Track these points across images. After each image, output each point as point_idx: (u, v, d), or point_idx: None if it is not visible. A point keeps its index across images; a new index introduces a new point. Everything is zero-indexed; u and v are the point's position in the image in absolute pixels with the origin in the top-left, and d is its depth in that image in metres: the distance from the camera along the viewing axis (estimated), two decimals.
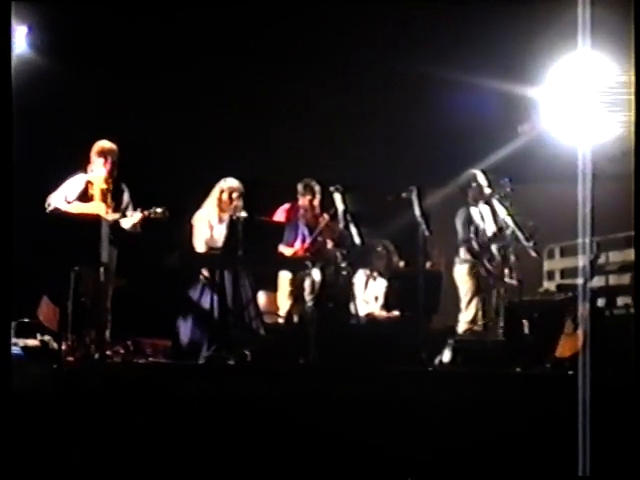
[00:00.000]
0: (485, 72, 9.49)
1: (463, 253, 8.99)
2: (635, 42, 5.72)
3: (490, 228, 8.94)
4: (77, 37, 9.14)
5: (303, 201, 8.98)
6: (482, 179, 8.99)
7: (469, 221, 8.96)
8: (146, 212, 7.98)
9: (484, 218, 8.98)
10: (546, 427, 6.30)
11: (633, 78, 6.00)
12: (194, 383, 6.74)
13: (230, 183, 8.49)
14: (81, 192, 7.99)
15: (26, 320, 8.18)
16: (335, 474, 6.17)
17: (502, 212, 8.75)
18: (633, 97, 6.05)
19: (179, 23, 9.36)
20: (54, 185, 8.03)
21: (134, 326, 8.75)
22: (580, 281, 8.63)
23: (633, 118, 5.95)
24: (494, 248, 8.86)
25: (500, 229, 8.81)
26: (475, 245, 8.90)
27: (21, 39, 8.37)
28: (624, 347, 7.56)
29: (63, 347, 7.37)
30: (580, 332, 7.83)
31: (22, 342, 7.57)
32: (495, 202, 8.80)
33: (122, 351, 8.49)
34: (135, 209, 8.06)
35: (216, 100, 9.88)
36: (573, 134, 9.42)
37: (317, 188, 8.95)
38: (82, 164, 8.11)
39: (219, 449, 6.26)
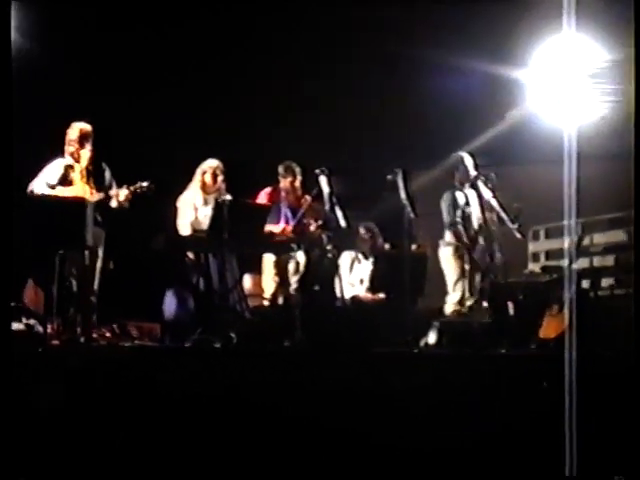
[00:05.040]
0: (471, 55, 9.49)
1: (448, 236, 8.97)
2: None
3: (476, 212, 8.94)
4: (57, 17, 9.07)
5: (284, 183, 8.95)
6: (469, 161, 8.98)
7: (454, 205, 8.93)
8: (132, 187, 7.95)
9: (469, 202, 8.96)
10: (531, 408, 6.33)
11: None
12: (180, 366, 6.74)
13: (211, 163, 8.53)
14: (62, 176, 7.95)
15: (11, 304, 8.16)
16: (321, 457, 6.19)
17: (487, 194, 8.76)
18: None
19: (163, 6, 9.32)
20: (34, 168, 7.99)
21: (120, 309, 8.74)
22: (565, 263, 8.66)
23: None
24: (480, 233, 8.88)
25: (486, 212, 8.82)
26: (461, 228, 8.89)
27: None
28: (608, 328, 7.64)
29: (49, 330, 7.39)
30: (564, 313, 7.86)
31: None
32: (480, 184, 8.80)
33: (108, 334, 8.49)
34: (119, 187, 8.03)
35: (199, 82, 9.85)
36: (558, 116, 9.42)
37: (298, 169, 8.93)
38: (61, 147, 8.06)
39: (205, 432, 6.26)
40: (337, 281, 8.71)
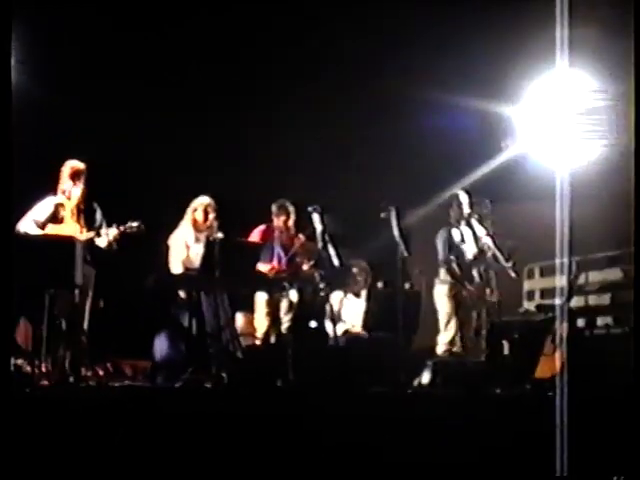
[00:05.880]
0: (465, 92, 9.48)
1: (443, 274, 8.92)
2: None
3: (471, 250, 8.90)
4: (50, 57, 9.07)
5: (278, 222, 8.93)
6: (464, 198, 8.94)
7: (449, 242, 8.90)
8: (122, 227, 7.92)
9: (465, 239, 8.93)
10: (525, 448, 6.24)
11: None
12: (170, 406, 6.66)
13: (202, 200, 8.51)
14: (51, 214, 7.92)
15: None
16: None
17: (481, 232, 8.72)
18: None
19: (151, 45, 9.33)
20: (26, 207, 7.95)
21: (113, 348, 8.68)
22: (559, 301, 8.59)
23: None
24: (475, 271, 8.82)
25: (481, 251, 8.77)
26: (455, 267, 8.84)
27: None
28: (604, 367, 7.56)
29: (37, 370, 7.31)
30: (560, 353, 7.79)
31: None
32: (474, 222, 8.77)
33: (102, 373, 8.41)
34: (110, 226, 8.00)
35: (191, 119, 9.83)
36: (552, 153, 9.39)
37: (291, 209, 8.92)
38: (53, 185, 8.04)
39: (197, 473, 6.18)
40: (329, 320, 8.67)
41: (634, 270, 6.12)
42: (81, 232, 7.88)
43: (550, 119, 9.65)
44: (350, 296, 9.35)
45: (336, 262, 8.13)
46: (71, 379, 7.55)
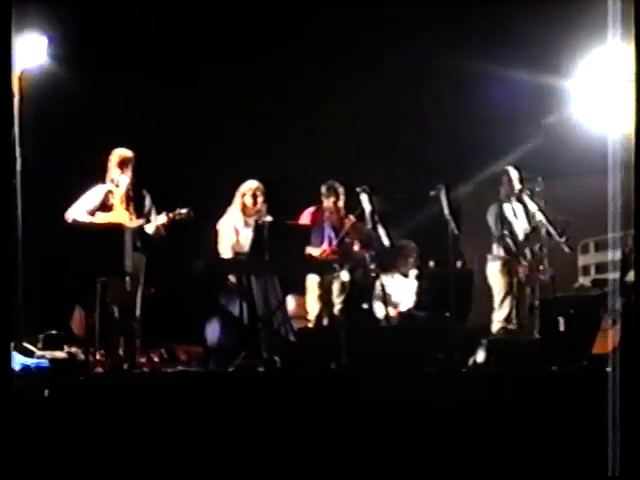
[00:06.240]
0: (516, 65, 9.36)
1: (496, 250, 8.86)
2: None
3: (522, 225, 8.81)
4: (95, 47, 9.13)
5: (327, 203, 8.89)
6: (514, 174, 8.86)
7: (501, 218, 8.83)
8: (171, 214, 7.95)
9: (517, 215, 8.85)
10: (582, 426, 6.17)
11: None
12: (224, 391, 6.68)
13: (250, 184, 8.49)
14: (101, 202, 7.95)
15: (54, 332, 8.16)
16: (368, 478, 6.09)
17: (533, 207, 8.62)
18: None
19: (195, 28, 9.35)
20: (76, 196, 8.00)
21: (166, 334, 8.72)
22: (616, 276, 8.46)
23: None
24: (528, 247, 8.73)
25: (533, 229, 8.68)
26: (509, 242, 8.77)
27: (41, 50, 8.35)
28: None
29: (92, 358, 7.37)
30: (617, 328, 7.67)
31: (49, 354, 7.51)
32: (526, 198, 8.68)
33: (156, 359, 8.46)
34: (159, 213, 8.02)
35: (238, 103, 9.83)
36: (603, 127, 9.26)
37: (341, 189, 8.87)
38: (101, 174, 8.07)
39: (250, 456, 6.19)
40: (380, 301, 8.63)
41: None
42: (131, 219, 7.91)
43: (601, 92, 9.52)
44: (399, 276, 9.30)
45: (386, 242, 8.12)
46: (125, 366, 7.60)
